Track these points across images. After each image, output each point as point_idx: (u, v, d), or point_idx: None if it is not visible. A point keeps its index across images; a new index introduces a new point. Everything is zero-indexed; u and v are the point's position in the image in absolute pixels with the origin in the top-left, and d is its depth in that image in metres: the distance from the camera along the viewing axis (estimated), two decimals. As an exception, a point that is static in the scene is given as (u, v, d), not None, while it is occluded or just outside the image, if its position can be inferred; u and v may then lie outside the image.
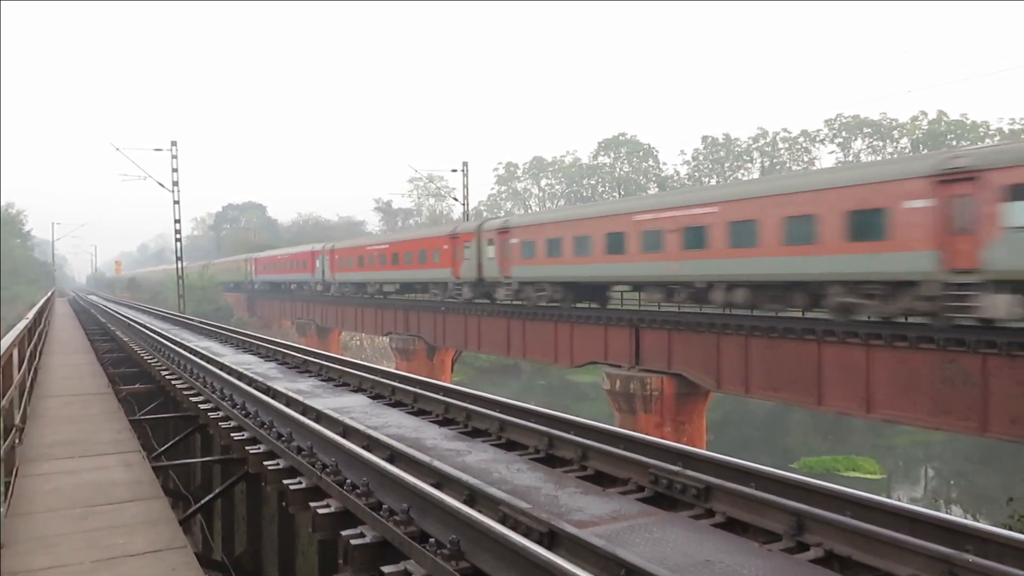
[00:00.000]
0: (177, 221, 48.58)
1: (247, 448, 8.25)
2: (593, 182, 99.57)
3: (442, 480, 6.05)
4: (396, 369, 21.06)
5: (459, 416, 9.54)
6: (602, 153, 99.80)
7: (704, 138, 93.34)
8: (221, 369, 13.70)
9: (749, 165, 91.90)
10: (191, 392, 12.29)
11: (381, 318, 42.96)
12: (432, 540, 4.87)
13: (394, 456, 6.88)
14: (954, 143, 75.53)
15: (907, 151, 79.80)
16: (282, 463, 7.36)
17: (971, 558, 4.16)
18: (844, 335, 17.97)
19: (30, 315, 17.66)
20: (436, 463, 6.37)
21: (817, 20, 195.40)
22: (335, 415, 8.96)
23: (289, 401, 10.34)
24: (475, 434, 8.85)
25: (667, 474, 6.12)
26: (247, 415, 9.25)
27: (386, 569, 4.85)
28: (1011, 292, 14.48)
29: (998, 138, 71.58)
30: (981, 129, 77.20)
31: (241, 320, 63.70)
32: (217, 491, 9.74)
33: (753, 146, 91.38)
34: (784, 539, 5.04)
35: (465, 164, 50.26)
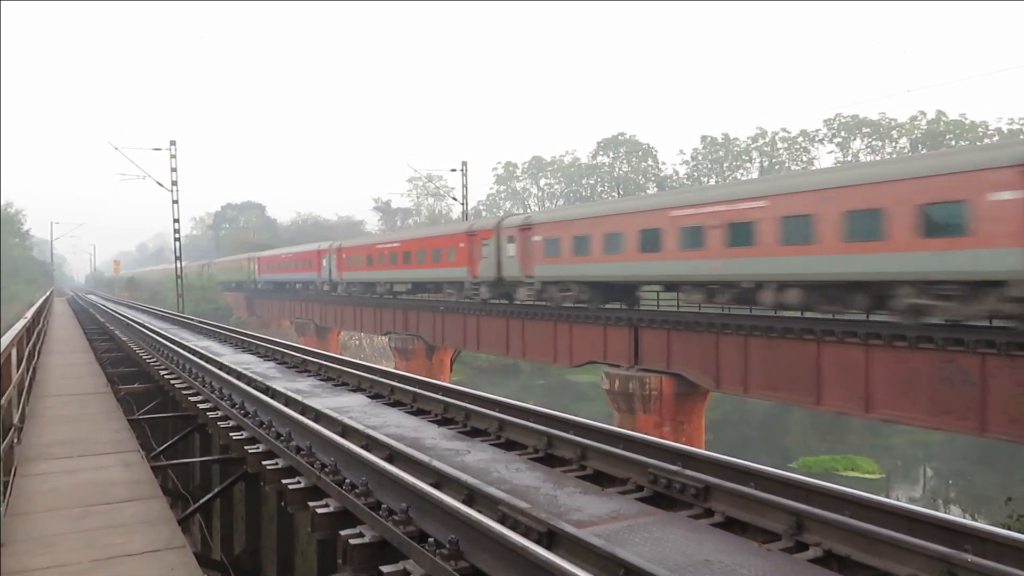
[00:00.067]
0: (176, 220, 48.56)
1: (246, 448, 8.25)
2: (592, 182, 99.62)
3: (441, 480, 6.04)
4: (395, 369, 21.04)
5: (458, 416, 9.54)
6: (601, 153, 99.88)
7: (703, 138, 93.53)
8: (220, 368, 13.70)
9: (748, 165, 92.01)
10: (190, 392, 12.28)
11: (380, 317, 42.96)
12: (431, 540, 4.87)
13: (393, 456, 6.88)
14: (953, 143, 75.64)
15: (906, 151, 79.89)
16: (281, 463, 7.35)
17: (970, 558, 4.16)
18: (843, 335, 17.99)
19: (29, 314, 17.67)
20: (435, 463, 6.37)
21: (817, 20, 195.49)
22: (334, 414, 8.96)
23: (288, 400, 10.34)
24: (474, 434, 8.85)
25: (666, 474, 6.12)
26: (246, 415, 9.24)
27: (385, 569, 4.85)
28: None
29: (997, 138, 71.64)
30: (980, 129, 77.30)
31: (240, 320, 63.67)
32: (216, 491, 9.74)
33: (752, 146, 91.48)
34: (783, 539, 5.04)
35: (464, 164, 50.28)
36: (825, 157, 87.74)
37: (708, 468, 6.14)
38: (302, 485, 6.66)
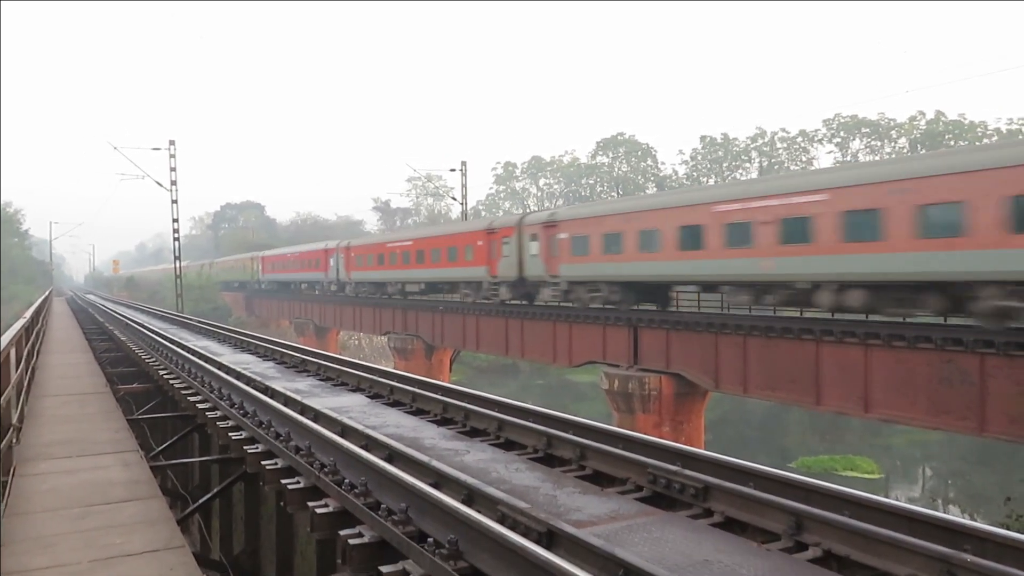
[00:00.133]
0: (175, 220, 48.56)
1: (245, 448, 8.24)
2: (592, 182, 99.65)
3: (440, 480, 6.04)
4: (394, 368, 21.04)
5: (457, 415, 9.54)
6: (600, 153, 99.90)
7: (702, 138, 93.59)
8: (219, 368, 13.69)
9: (747, 165, 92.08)
10: (189, 391, 12.27)
11: (379, 317, 42.94)
12: (430, 540, 4.86)
13: (392, 455, 6.88)
14: (952, 143, 75.68)
15: (905, 151, 79.94)
16: (280, 463, 7.34)
17: (969, 558, 4.15)
18: (842, 335, 17.99)
19: (28, 314, 17.67)
20: (434, 463, 6.37)
21: (816, 20, 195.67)
22: (333, 414, 8.95)
23: (287, 400, 10.33)
24: (473, 434, 8.85)
25: (666, 474, 6.12)
26: (245, 414, 9.23)
27: (384, 569, 4.85)
28: None
29: (996, 138, 71.70)
30: (979, 129, 77.36)
31: (239, 319, 63.62)
32: (215, 491, 9.73)
33: (751, 146, 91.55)
34: (783, 539, 5.04)
35: (463, 164, 50.31)
36: (824, 157, 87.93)
37: (707, 468, 6.14)
38: (301, 485, 6.65)
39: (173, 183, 47.20)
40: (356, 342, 65.76)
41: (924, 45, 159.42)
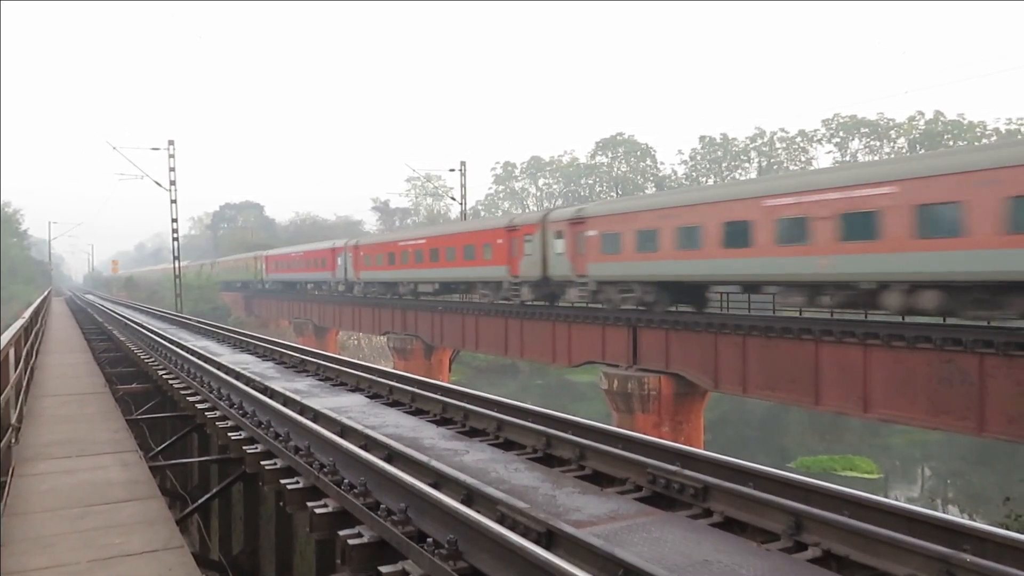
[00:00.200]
0: (174, 220, 48.56)
1: (244, 448, 8.24)
2: (591, 182, 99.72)
3: (440, 480, 6.04)
4: (393, 369, 21.03)
5: (457, 416, 9.54)
6: (600, 153, 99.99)
7: (702, 138, 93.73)
8: (218, 368, 13.69)
9: (747, 165, 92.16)
10: (188, 392, 12.27)
11: (378, 317, 42.94)
12: (430, 540, 4.86)
13: (392, 456, 6.87)
14: (951, 143, 75.74)
15: (904, 151, 80.00)
16: (279, 463, 7.34)
17: (969, 558, 4.15)
18: (841, 335, 17.98)
19: (27, 314, 17.66)
20: (434, 463, 6.37)
21: (816, 20, 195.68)
22: (333, 414, 8.95)
23: (286, 400, 10.33)
24: (473, 434, 8.85)
25: (665, 474, 6.12)
26: (244, 415, 9.23)
27: (384, 569, 4.84)
28: None
29: (995, 138, 71.76)
30: (978, 129, 77.43)
31: (238, 319, 63.61)
32: (214, 491, 9.73)
33: (751, 146, 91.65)
34: (782, 539, 5.04)
35: (463, 164, 50.33)
36: (823, 157, 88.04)
37: (707, 468, 6.14)
38: (301, 485, 6.65)
39: (172, 183, 47.21)
40: (355, 342, 65.75)
41: (924, 45, 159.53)
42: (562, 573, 3.88)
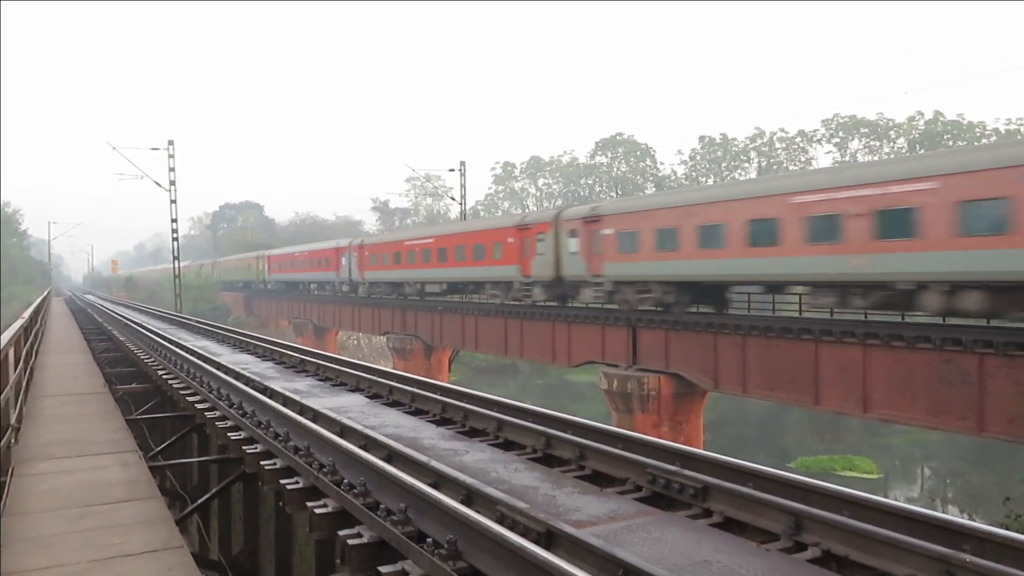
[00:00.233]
0: (174, 220, 48.58)
1: (244, 448, 8.23)
2: (590, 182, 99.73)
3: (440, 480, 6.03)
4: (393, 369, 21.02)
5: (457, 416, 9.53)
6: (599, 153, 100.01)
7: (701, 138, 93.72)
8: (218, 368, 13.68)
9: (746, 165, 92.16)
10: (188, 392, 12.26)
11: (378, 317, 42.93)
12: (429, 540, 4.86)
13: (391, 456, 6.87)
14: (951, 143, 75.76)
15: (904, 151, 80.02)
16: (279, 463, 7.34)
17: (968, 558, 4.15)
18: (841, 335, 17.99)
19: (26, 314, 17.65)
20: (434, 463, 6.36)
21: (816, 20, 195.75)
22: (332, 415, 8.94)
23: (286, 400, 10.32)
24: (473, 434, 8.84)
25: (665, 474, 6.11)
26: (244, 415, 9.23)
27: (383, 569, 4.84)
28: None
29: (994, 139, 71.76)
30: (978, 129, 77.44)
31: (238, 320, 63.61)
32: (214, 491, 9.72)
33: (750, 146, 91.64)
34: (782, 539, 5.03)
35: (462, 164, 50.34)
36: (823, 157, 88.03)
37: (707, 468, 6.13)
38: (300, 485, 6.65)
39: (172, 183, 47.22)
40: (355, 342, 65.73)
41: (924, 45, 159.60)
42: (562, 573, 3.88)
